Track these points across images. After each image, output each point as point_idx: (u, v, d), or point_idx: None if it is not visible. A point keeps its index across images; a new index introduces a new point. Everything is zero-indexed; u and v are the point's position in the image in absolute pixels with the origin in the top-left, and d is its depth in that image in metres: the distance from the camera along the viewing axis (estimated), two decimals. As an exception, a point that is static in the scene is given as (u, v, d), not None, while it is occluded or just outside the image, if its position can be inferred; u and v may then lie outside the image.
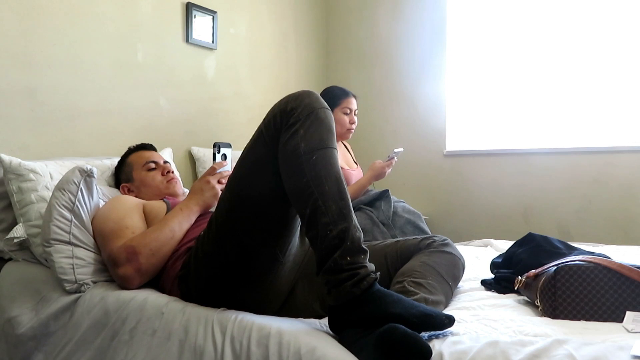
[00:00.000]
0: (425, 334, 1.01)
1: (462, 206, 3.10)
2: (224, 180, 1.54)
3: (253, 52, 2.87)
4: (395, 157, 2.37)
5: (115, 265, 1.35)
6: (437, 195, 3.19)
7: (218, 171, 1.54)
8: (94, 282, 1.42)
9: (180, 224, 1.42)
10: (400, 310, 1.00)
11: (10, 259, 1.67)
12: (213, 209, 1.39)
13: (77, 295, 1.39)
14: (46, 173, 1.65)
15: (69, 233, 1.41)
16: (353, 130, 2.49)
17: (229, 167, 1.58)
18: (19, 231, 1.60)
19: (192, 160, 2.51)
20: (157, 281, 1.40)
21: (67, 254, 1.39)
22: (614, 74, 2.71)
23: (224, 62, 2.68)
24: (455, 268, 1.39)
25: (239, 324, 1.11)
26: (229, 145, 1.61)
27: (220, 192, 1.47)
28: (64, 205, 1.41)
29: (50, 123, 1.92)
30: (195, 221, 1.48)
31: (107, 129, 2.11)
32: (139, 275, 1.33)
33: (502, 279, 1.46)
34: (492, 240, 2.28)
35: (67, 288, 1.39)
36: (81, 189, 1.44)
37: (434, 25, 3.17)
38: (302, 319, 1.21)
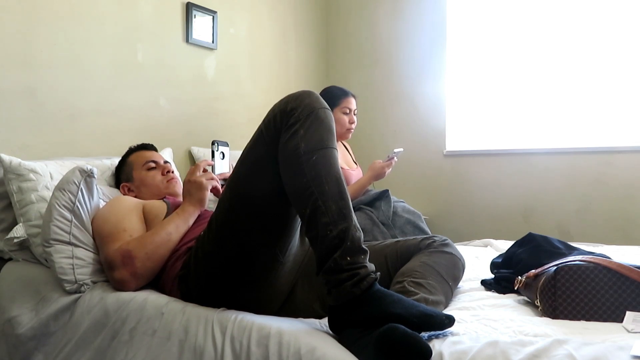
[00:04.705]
0: (425, 334, 1.01)
1: (462, 206, 3.10)
2: (208, 169, 1.55)
3: (253, 52, 2.87)
4: (395, 157, 2.37)
5: (111, 269, 1.35)
6: (437, 195, 3.19)
7: (203, 168, 1.55)
8: (94, 282, 1.42)
9: (177, 227, 1.42)
10: (400, 310, 1.00)
11: (10, 259, 1.67)
12: (210, 205, 1.39)
13: (77, 295, 1.39)
14: (46, 173, 1.65)
15: (69, 233, 1.41)
16: (353, 130, 2.49)
17: (226, 165, 1.59)
18: (19, 231, 1.60)
19: (192, 160, 2.50)
20: (157, 281, 1.40)
21: (67, 254, 1.39)
22: (614, 74, 2.71)
23: (224, 62, 2.68)
24: (455, 268, 1.39)
25: (239, 324, 1.11)
26: (226, 144, 1.64)
27: (204, 182, 1.48)
28: (64, 205, 1.41)
29: (50, 123, 1.92)
30: (195, 221, 1.48)
31: (107, 129, 2.11)
32: (135, 279, 1.33)
33: (502, 279, 1.46)
34: (492, 240, 2.28)
35: (67, 288, 1.39)
36: (81, 189, 1.44)
37: (434, 25, 3.17)
38: (302, 319, 1.21)
